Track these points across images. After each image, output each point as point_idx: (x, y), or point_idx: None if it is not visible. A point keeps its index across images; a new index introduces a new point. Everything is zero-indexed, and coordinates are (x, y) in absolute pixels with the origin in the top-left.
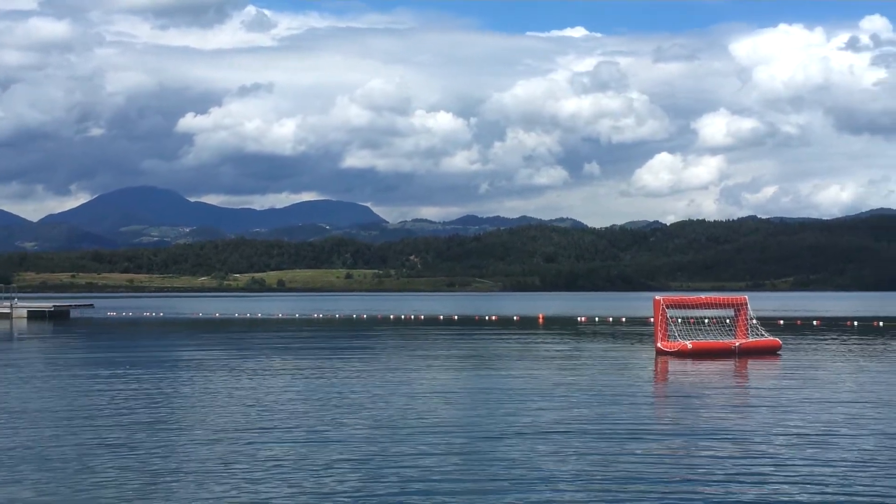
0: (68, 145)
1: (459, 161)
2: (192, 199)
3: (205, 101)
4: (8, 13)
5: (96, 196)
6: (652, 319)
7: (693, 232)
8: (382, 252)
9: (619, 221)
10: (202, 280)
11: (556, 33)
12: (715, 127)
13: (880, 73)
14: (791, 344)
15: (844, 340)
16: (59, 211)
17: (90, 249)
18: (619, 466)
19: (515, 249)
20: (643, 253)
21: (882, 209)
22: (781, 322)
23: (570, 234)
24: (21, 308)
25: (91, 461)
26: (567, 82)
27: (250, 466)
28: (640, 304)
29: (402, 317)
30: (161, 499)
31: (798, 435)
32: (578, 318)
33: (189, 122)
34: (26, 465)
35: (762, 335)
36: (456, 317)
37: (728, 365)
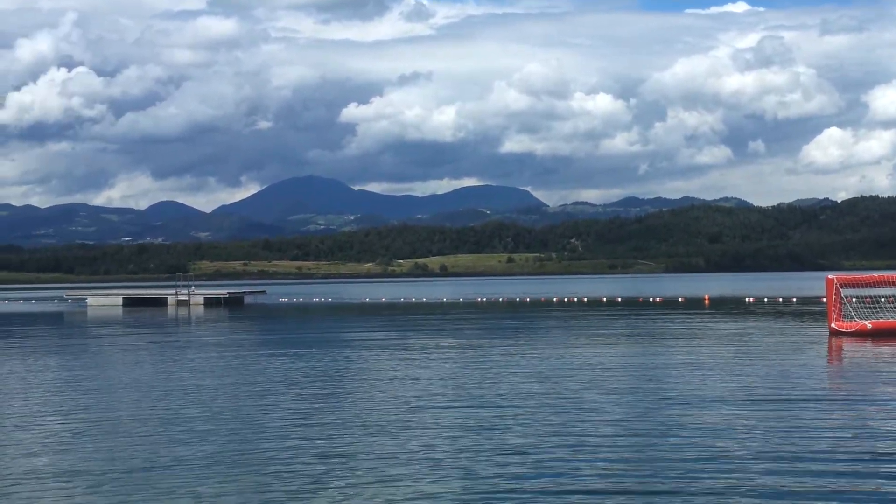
0: (237, 138)
1: (619, 143)
2: (356, 188)
3: (366, 92)
4: (178, 13)
5: (265, 187)
6: (824, 299)
7: (866, 209)
8: (543, 236)
9: (787, 200)
10: (367, 266)
11: (716, 9)
12: (887, 99)
13: None
14: None
15: None
16: (231, 202)
17: (260, 238)
18: (796, 433)
19: (678, 230)
20: (813, 231)
21: None
22: None
23: (735, 214)
24: (198, 295)
25: (269, 433)
26: (729, 59)
27: (432, 435)
28: (810, 283)
29: (565, 299)
30: (342, 465)
31: None
32: (746, 299)
33: (351, 112)
34: (208, 433)
35: None
36: (619, 298)
37: None
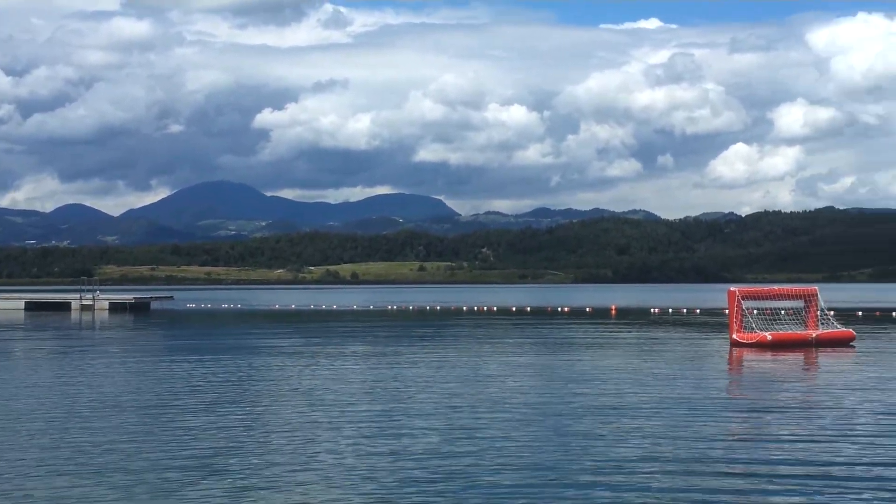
0: (148, 142)
1: (532, 154)
2: (268, 194)
3: (281, 98)
4: (92, 14)
5: (175, 191)
6: (727, 311)
7: (769, 223)
8: (455, 245)
9: (693, 213)
10: (278, 273)
11: (629, 25)
12: (792, 117)
13: None
14: (868, 335)
15: None
16: (140, 206)
17: (169, 243)
18: (696, 439)
19: (588, 241)
20: (718, 245)
21: None
22: (860, 314)
23: (643, 226)
24: (103, 300)
25: (167, 442)
26: (641, 74)
27: (331, 439)
28: (714, 295)
29: (475, 308)
30: (237, 475)
31: (864, 415)
32: (651, 310)
33: (265, 118)
34: (107, 444)
35: (835, 326)
36: (528, 308)
37: (799, 355)
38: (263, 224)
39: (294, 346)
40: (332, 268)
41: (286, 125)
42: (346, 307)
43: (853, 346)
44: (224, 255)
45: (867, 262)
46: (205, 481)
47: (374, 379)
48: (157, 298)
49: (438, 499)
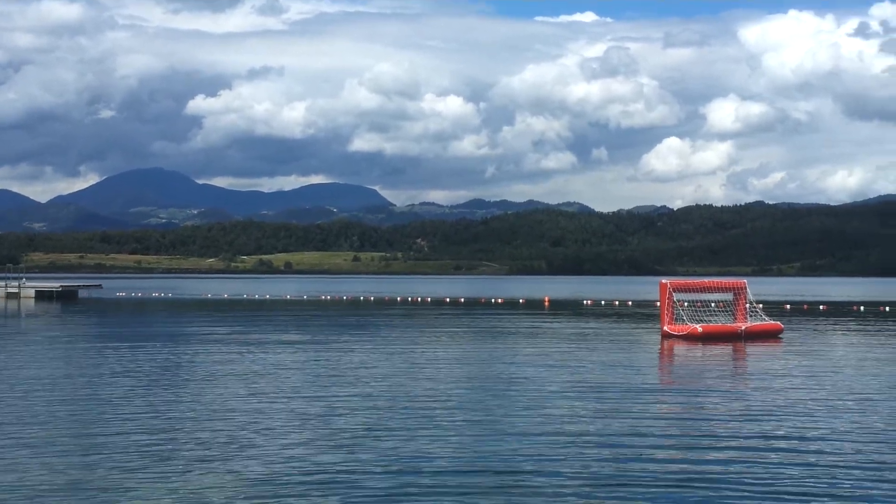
0: (78, 127)
1: (468, 145)
2: (201, 182)
3: (215, 84)
4: None
5: (105, 178)
6: (658, 303)
7: (700, 217)
8: (389, 235)
9: (627, 206)
10: (210, 262)
11: (565, 18)
12: (724, 112)
13: (889, 60)
14: (796, 327)
15: (849, 325)
16: (68, 192)
17: (98, 231)
18: (625, 421)
19: (522, 233)
20: (650, 237)
21: (889, 195)
22: (788, 306)
23: (577, 219)
24: (29, 288)
25: (94, 432)
26: (577, 67)
27: (256, 435)
28: (646, 287)
29: (409, 299)
30: (164, 463)
31: (790, 399)
32: (584, 301)
33: (199, 104)
34: (30, 435)
35: (764, 319)
36: (462, 299)
37: (729, 347)
38: (195, 212)
39: (227, 334)
40: (265, 257)
41: (220, 112)
42: (279, 297)
43: (781, 339)
44: (155, 243)
45: (795, 256)
46: (136, 466)
47: (306, 366)
48: (85, 287)
49: (369, 476)
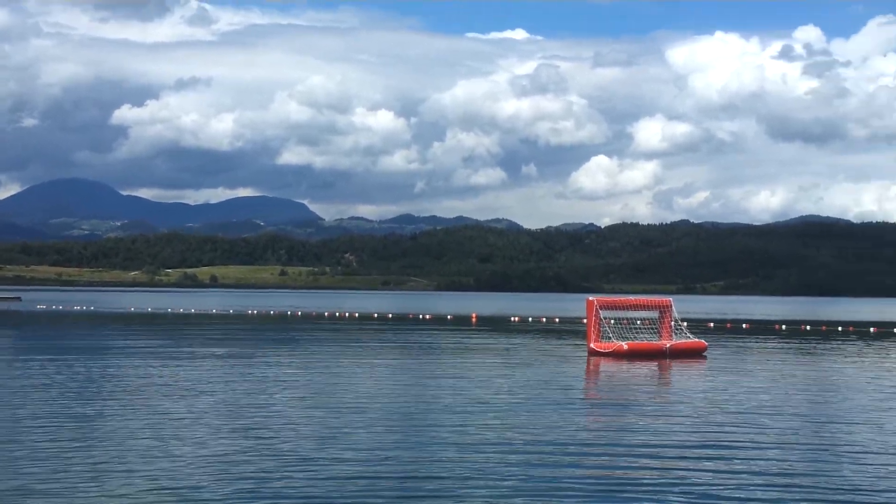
0: (0, 135)
1: (398, 160)
2: (125, 193)
3: (141, 94)
4: None
5: (26, 187)
6: (585, 320)
7: (627, 235)
8: (318, 250)
9: (555, 223)
10: (133, 275)
11: (496, 35)
12: (651, 132)
13: (812, 83)
14: (719, 345)
15: (771, 343)
16: None
17: (18, 241)
18: (549, 432)
19: (451, 249)
20: (578, 255)
21: (811, 216)
22: (711, 325)
23: (506, 235)
24: None
25: (16, 443)
26: (507, 84)
27: (173, 445)
28: (573, 304)
29: (337, 314)
30: (85, 476)
31: (713, 412)
32: (511, 318)
33: (124, 114)
34: None
35: (688, 337)
36: (390, 315)
37: (654, 365)
38: (119, 224)
39: (150, 348)
40: (190, 270)
41: (146, 122)
42: (204, 311)
43: (705, 356)
44: (77, 255)
45: (719, 274)
46: (57, 475)
47: (229, 380)
48: (3, 299)
49: (289, 488)
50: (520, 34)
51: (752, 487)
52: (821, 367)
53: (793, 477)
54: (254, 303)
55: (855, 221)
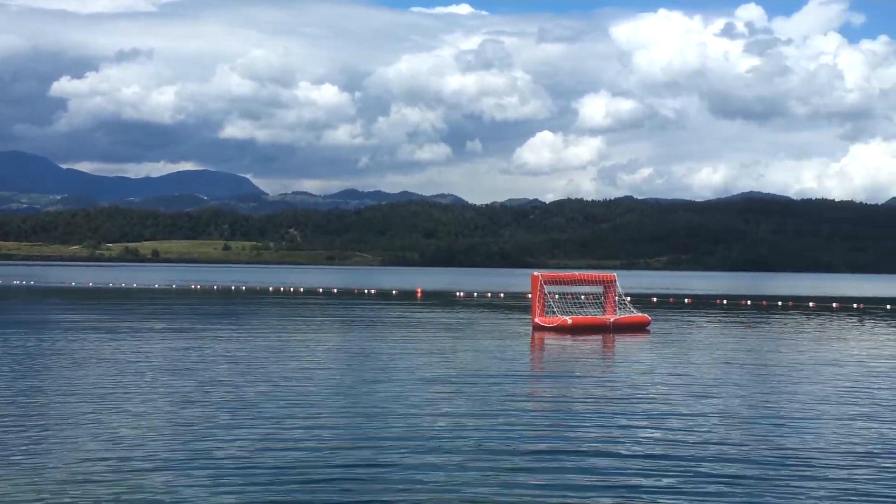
0: None
1: (342, 134)
2: (65, 166)
3: (81, 66)
4: None
5: None
6: (530, 295)
7: (571, 210)
8: (261, 224)
9: (500, 199)
10: (73, 249)
11: (441, 10)
12: (595, 108)
13: (753, 61)
14: (662, 320)
15: (713, 317)
16: None
17: None
18: (496, 404)
19: (396, 224)
20: (522, 230)
21: (752, 192)
22: (654, 299)
23: (451, 211)
24: None
25: None
26: (452, 59)
27: (119, 426)
28: (518, 280)
29: (281, 289)
30: (24, 454)
31: (654, 382)
32: (456, 293)
33: (64, 86)
34: None
35: (632, 311)
36: (335, 289)
37: (598, 339)
38: (59, 198)
39: (90, 322)
40: (131, 245)
41: (85, 95)
42: (146, 286)
43: (648, 331)
44: (15, 229)
45: (662, 250)
46: None
47: (169, 355)
48: None
49: (227, 458)
50: (465, 9)
51: (690, 450)
52: (760, 340)
53: (730, 443)
54: (196, 277)
55: (795, 198)
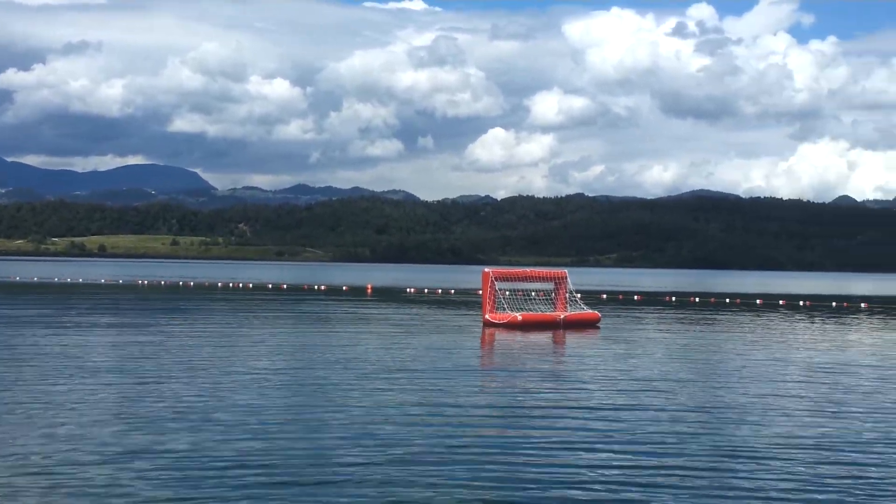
0: None
1: (293, 129)
2: (10, 159)
3: (28, 58)
4: None
5: None
6: (481, 291)
7: (522, 207)
8: (210, 219)
9: (452, 195)
10: (18, 243)
11: (394, 5)
12: (547, 105)
13: (704, 60)
14: (612, 316)
15: (662, 314)
16: None
17: None
18: (443, 396)
19: (347, 220)
20: (474, 227)
21: (702, 190)
22: (604, 296)
23: (402, 207)
24: None
25: None
26: (405, 55)
27: (62, 421)
28: (469, 276)
29: (230, 284)
30: None
31: (604, 378)
32: (407, 289)
33: (9, 78)
34: None
35: (582, 308)
36: (285, 285)
37: (548, 335)
38: (3, 191)
39: (34, 317)
40: (77, 239)
41: (32, 87)
42: (93, 280)
43: (599, 327)
44: None
45: (612, 247)
46: None
47: (113, 350)
48: None
49: (171, 452)
50: (418, 5)
51: (637, 444)
52: (708, 337)
53: (677, 436)
54: (144, 273)
55: (744, 196)
